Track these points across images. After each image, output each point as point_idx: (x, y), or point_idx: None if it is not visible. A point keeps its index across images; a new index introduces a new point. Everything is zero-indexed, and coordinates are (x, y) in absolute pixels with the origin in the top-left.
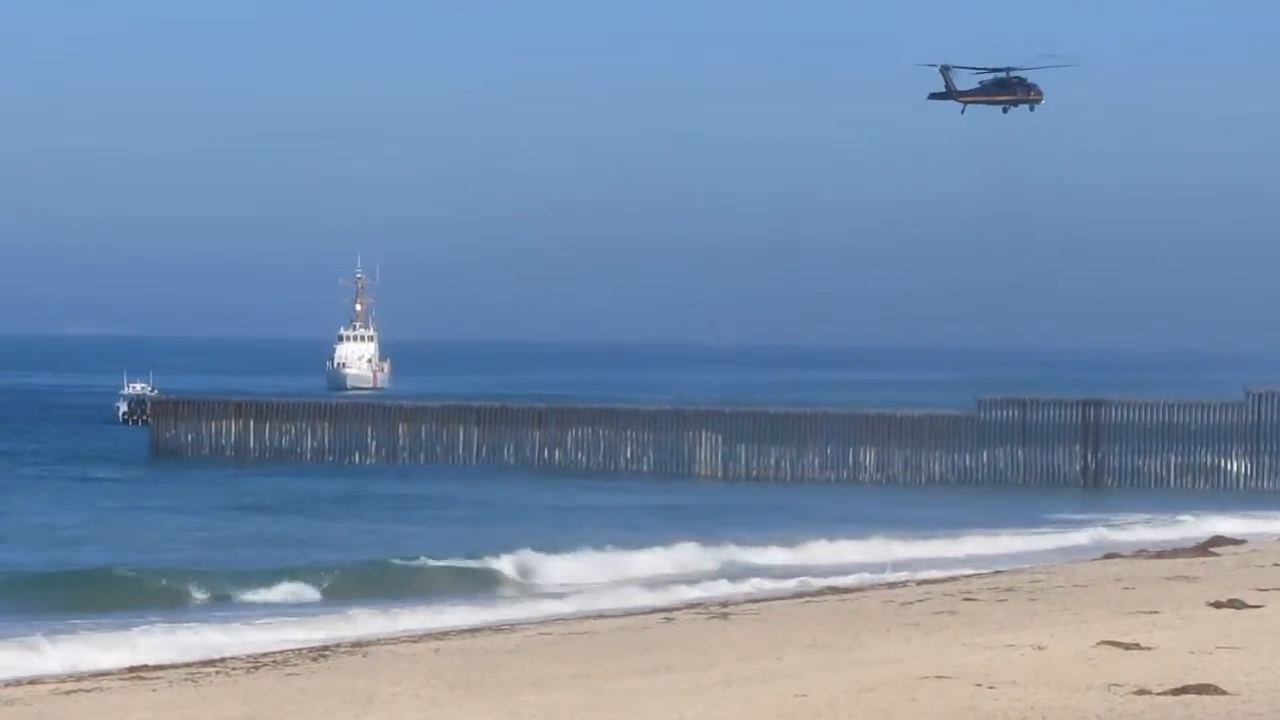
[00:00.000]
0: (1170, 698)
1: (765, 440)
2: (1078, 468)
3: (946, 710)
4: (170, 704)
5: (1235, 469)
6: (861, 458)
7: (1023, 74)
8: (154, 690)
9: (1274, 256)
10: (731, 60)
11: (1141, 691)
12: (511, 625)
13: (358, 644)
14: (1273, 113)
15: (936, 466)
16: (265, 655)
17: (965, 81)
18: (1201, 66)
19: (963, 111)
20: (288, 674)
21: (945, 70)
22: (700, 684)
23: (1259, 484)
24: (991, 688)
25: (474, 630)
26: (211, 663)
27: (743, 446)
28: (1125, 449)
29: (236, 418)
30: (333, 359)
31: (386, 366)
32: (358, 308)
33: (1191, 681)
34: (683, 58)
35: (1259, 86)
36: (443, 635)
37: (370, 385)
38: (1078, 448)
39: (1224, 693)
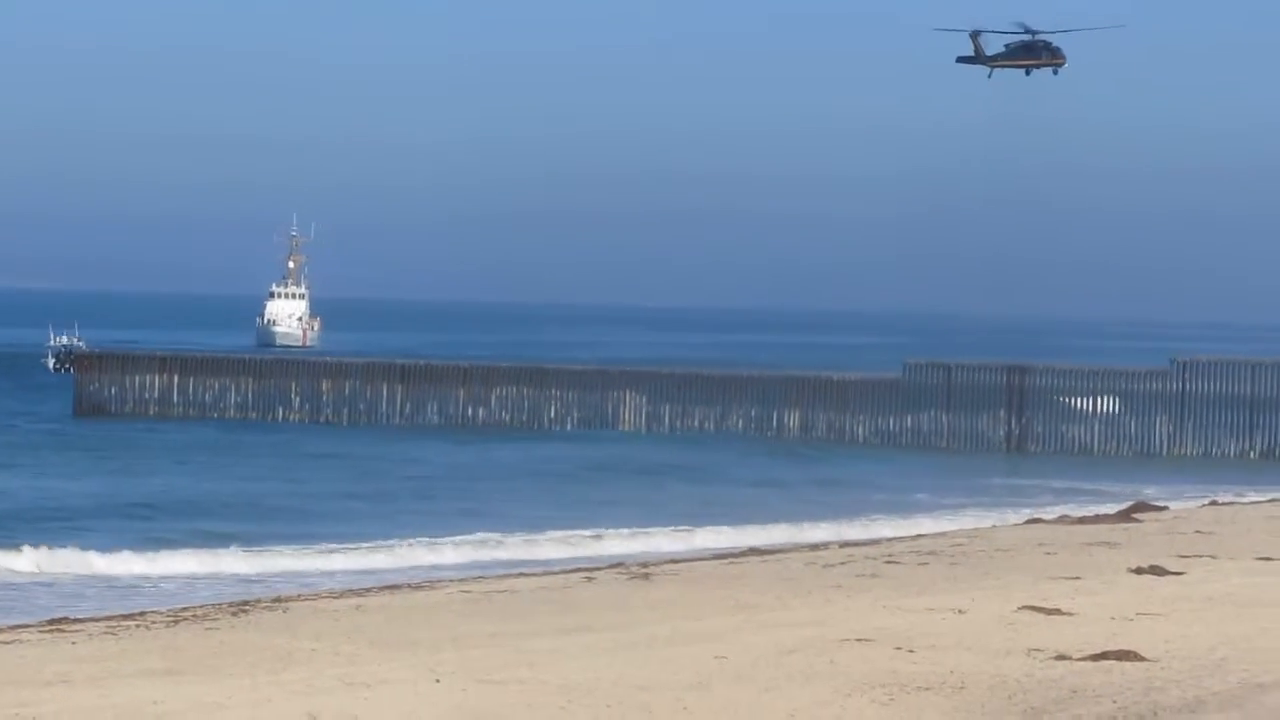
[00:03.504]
0: (1090, 663)
1: (690, 401)
2: (1002, 433)
3: (867, 673)
4: (90, 657)
5: (1159, 436)
6: (786, 420)
7: (1048, 38)
8: (73, 643)
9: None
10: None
11: (1061, 657)
12: (433, 583)
13: (278, 600)
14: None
15: (860, 429)
16: (185, 610)
17: (992, 46)
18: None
19: (990, 75)
20: (208, 628)
21: (975, 35)
22: (620, 644)
23: (1182, 451)
24: (912, 651)
25: (394, 587)
26: (131, 616)
27: (666, 407)
28: (1050, 414)
29: (161, 372)
30: (263, 315)
31: (317, 324)
32: (291, 265)
33: (1111, 648)
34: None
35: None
36: (363, 592)
37: (300, 343)
38: (1002, 413)
39: (1144, 659)
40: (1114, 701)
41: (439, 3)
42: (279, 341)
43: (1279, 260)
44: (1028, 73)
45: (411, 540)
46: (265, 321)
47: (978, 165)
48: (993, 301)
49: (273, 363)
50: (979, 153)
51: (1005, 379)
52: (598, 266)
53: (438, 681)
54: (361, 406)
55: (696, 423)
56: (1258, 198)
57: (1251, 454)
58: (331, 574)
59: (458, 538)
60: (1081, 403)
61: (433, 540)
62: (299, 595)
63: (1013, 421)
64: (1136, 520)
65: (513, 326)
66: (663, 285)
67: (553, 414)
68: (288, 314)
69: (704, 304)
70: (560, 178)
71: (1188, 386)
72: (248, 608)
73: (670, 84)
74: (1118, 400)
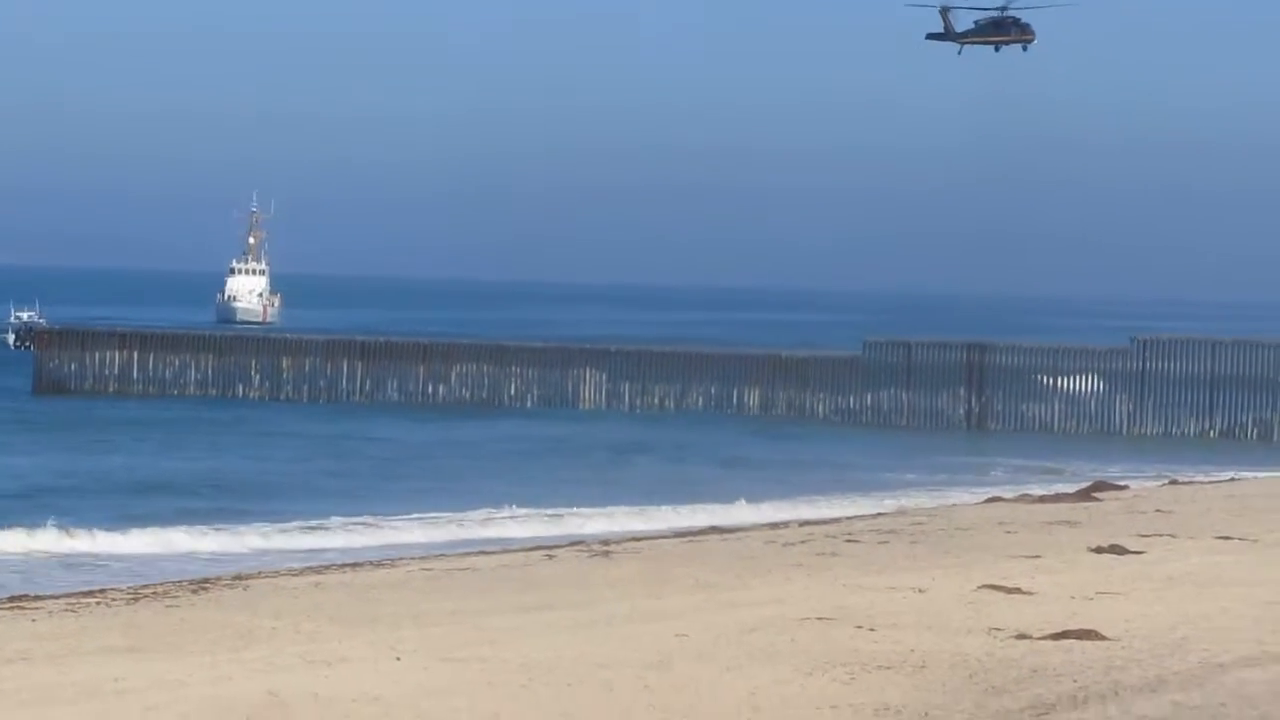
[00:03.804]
0: (1051, 642)
1: (650, 379)
2: (962, 411)
3: (827, 651)
4: (50, 635)
5: (1120, 415)
6: (745, 398)
7: (1017, 14)
8: (33, 621)
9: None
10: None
11: (1022, 636)
12: (393, 560)
13: (238, 577)
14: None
15: (820, 407)
16: (146, 587)
17: (962, 22)
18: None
19: (959, 52)
20: (168, 606)
21: (945, 11)
22: (581, 622)
23: (1142, 430)
24: (872, 630)
25: (355, 564)
26: (92, 593)
27: (626, 385)
28: (1010, 392)
29: (121, 348)
30: (223, 292)
31: (277, 301)
32: (251, 241)
33: (1072, 626)
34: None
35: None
36: (324, 569)
37: (260, 319)
38: (962, 391)
39: (1104, 638)
40: (1074, 680)
41: None
42: (239, 318)
43: (1258, 236)
44: (997, 49)
45: (379, 518)
46: (225, 298)
47: (969, 142)
48: (984, 279)
49: (233, 339)
50: (970, 129)
51: (965, 357)
52: (597, 244)
53: (398, 659)
54: (322, 384)
55: (657, 400)
56: (1237, 174)
57: (1212, 433)
58: (296, 552)
59: (425, 515)
60: (1061, 382)
61: (398, 518)
62: (259, 573)
63: (973, 399)
64: (1097, 499)
65: (502, 304)
66: (662, 262)
67: (513, 391)
68: (248, 290)
69: (704, 281)
70: (560, 152)
71: (1148, 365)
72: (208, 585)
73: (669, 59)
74: (1098, 379)
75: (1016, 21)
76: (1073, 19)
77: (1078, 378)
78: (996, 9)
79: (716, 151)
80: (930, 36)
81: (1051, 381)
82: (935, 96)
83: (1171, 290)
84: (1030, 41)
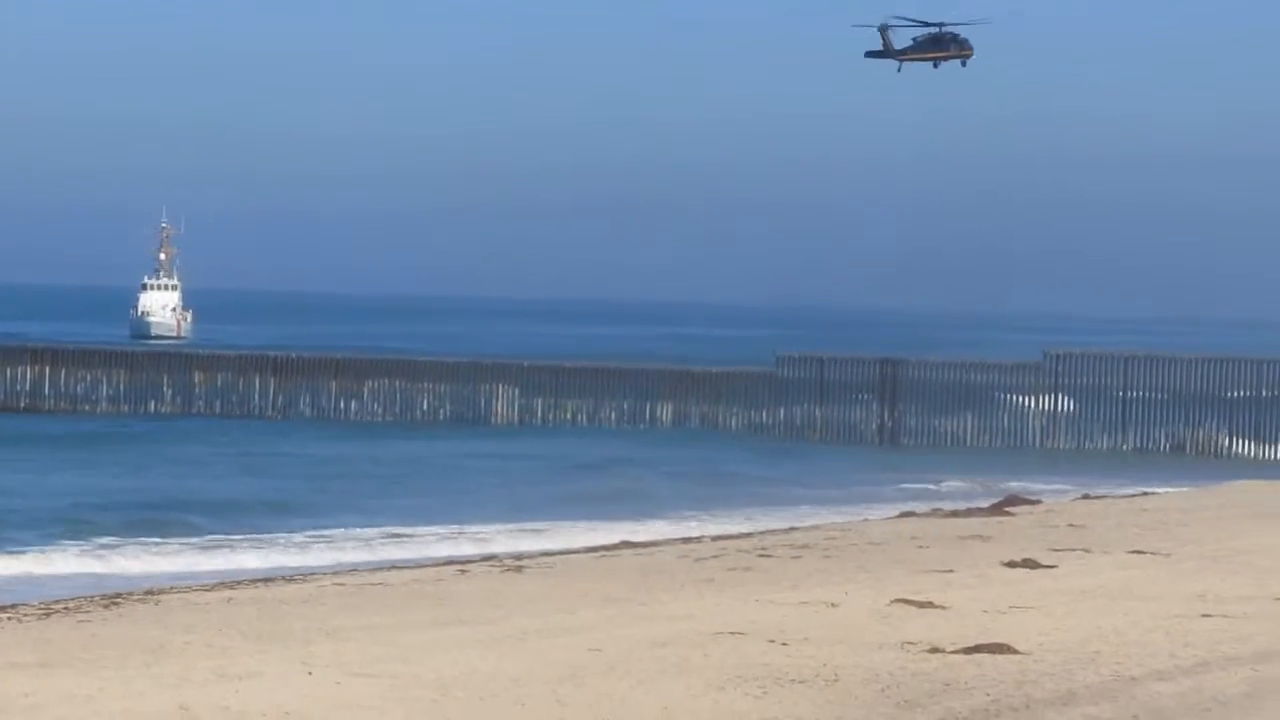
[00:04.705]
0: (963, 656)
1: (563, 394)
2: (874, 425)
3: (740, 665)
4: None
5: (1032, 429)
6: (658, 412)
7: (955, 29)
8: None
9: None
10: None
11: (935, 650)
12: (305, 575)
13: (150, 592)
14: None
15: (734, 422)
16: (58, 602)
17: (901, 39)
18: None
19: (899, 69)
20: (80, 621)
21: (884, 29)
22: (493, 636)
23: (1055, 444)
24: (785, 644)
25: (267, 579)
26: (3, 608)
27: (539, 400)
28: (922, 407)
29: (32, 364)
30: (136, 307)
31: (189, 316)
32: (162, 257)
33: (985, 641)
34: None
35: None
36: (236, 584)
37: (175, 334)
38: (875, 405)
39: (1016, 652)
40: (987, 694)
41: None
42: (154, 332)
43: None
44: (936, 65)
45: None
46: (139, 313)
47: (906, 158)
48: (915, 295)
49: (145, 355)
50: (907, 145)
51: (878, 372)
52: (527, 260)
53: (310, 674)
54: (234, 399)
55: (569, 415)
56: (1175, 187)
57: (1124, 447)
58: (216, 573)
59: (322, 532)
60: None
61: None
62: (171, 588)
63: (885, 414)
64: (1009, 513)
65: (430, 319)
66: (596, 277)
67: (425, 407)
68: (160, 305)
69: (636, 297)
70: (489, 169)
71: (1060, 380)
72: (119, 600)
73: (601, 74)
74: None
75: (955, 37)
76: (1012, 35)
77: (991, 392)
78: (935, 26)
79: (646, 167)
80: (869, 54)
81: (965, 396)
82: (875, 112)
83: (1113, 306)
84: (969, 57)
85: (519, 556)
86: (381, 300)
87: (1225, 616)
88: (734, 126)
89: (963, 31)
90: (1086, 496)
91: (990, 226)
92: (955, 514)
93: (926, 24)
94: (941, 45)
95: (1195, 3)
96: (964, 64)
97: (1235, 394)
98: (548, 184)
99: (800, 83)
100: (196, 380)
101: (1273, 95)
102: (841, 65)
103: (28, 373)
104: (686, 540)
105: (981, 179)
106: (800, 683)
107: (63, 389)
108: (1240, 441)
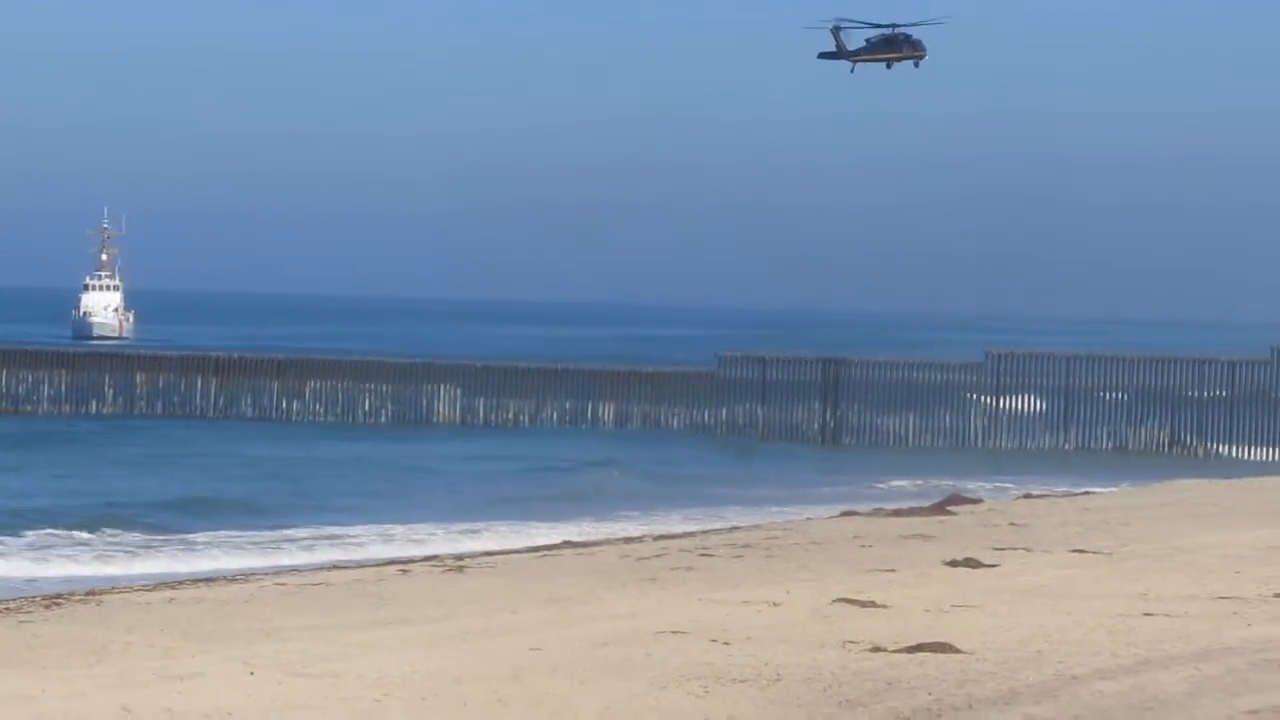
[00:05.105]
0: (905, 655)
1: (505, 394)
2: (816, 425)
3: (682, 664)
4: None
5: (974, 428)
6: (600, 412)
7: (908, 30)
8: None
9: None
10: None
11: (877, 649)
12: (246, 575)
13: (91, 593)
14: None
15: (676, 421)
16: None
17: (854, 41)
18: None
19: (852, 70)
20: (21, 621)
21: (836, 30)
22: (435, 636)
23: (997, 443)
24: (727, 644)
25: (209, 580)
26: None
27: (481, 400)
28: (864, 407)
29: None
30: (78, 308)
31: (131, 316)
32: (104, 257)
33: (927, 640)
34: None
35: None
36: (177, 585)
37: (117, 334)
38: (817, 405)
39: (958, 651)
40: (929, 693)
41: None
42: (96, 333)
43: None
44: (889, 66)
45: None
46: (80, 314)
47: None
48: (869, 298)
49: (87, 355)
50: (854, 146)
51: (820, 371)
52: (480, 262)
53: (252, 674)
54: (176, 399)
55: (511, 416)
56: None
57: (1066, 446)
58: (157, 574)
59: (240, 533)
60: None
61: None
62: (113, 588)
63: (827, 414)
64: (951, 513)
65: (327, 319)
66: (548, 280)
67: (367, 407)
68: (103, 306)
69: (582, 298)
70: (448, 170)
71: (1002, 379)
72: (61, 600)
73: (552, 79)
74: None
75: (908, 38)
76: (963, 36)
77: (933, 391)
78: (887, 26)
79: (607, 167)
80: (822, 56)
81: (907, 396)
82: (817, 113)
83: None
84: (922, 58)
85: (461, 556)
86: (341, 302)
87: (1167, 615)
88: (670, 126)
89: (915, 32)
90: (1028, 495)
91: (931, 230)
92: (897, 513)
93: (878, 25)
94: (894, 46)
95: (1158, 2)
96: (917, 65)
97: (1177, 393)
98: (499, 186)
99: (750, 85)
100: (138, 381)
101: (1239, 94)
102: (796, 67)
103: None
104: (629, 540)
105: (928, 180)
106: (742, 682)
107: (3, 390)
108: (1182, 441)
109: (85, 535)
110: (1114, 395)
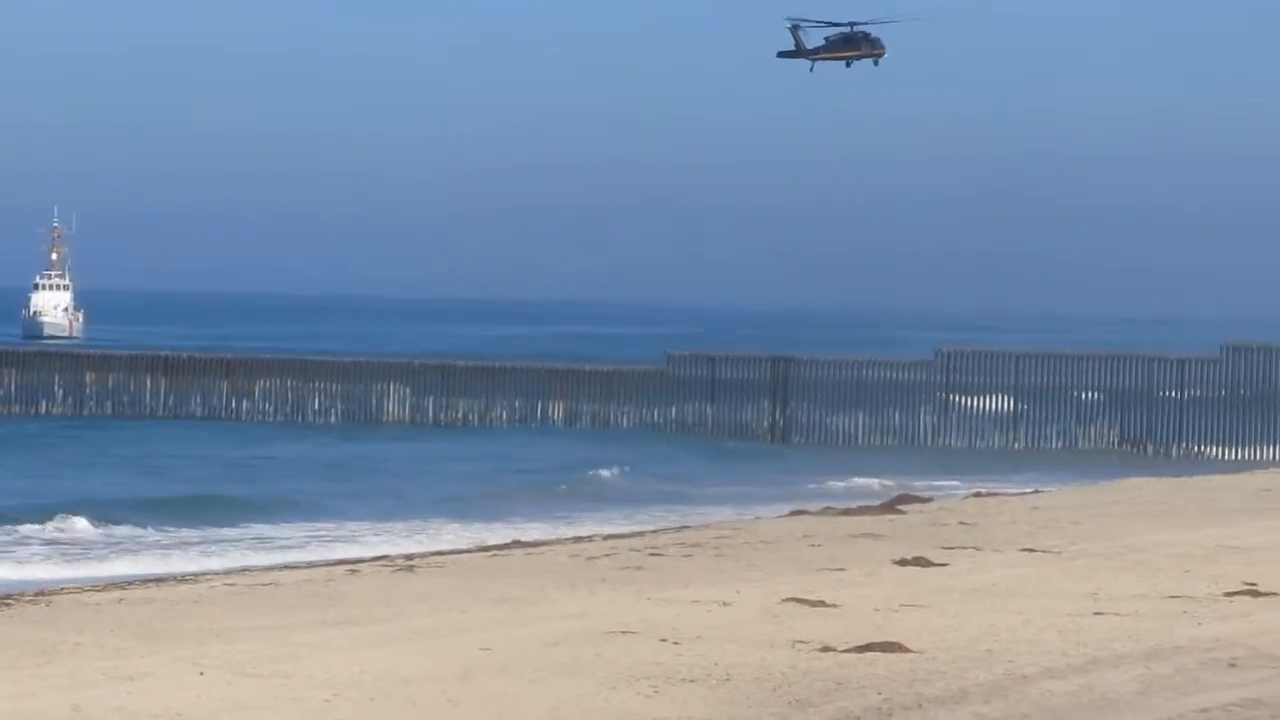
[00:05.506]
0: (855, 655)
1: (454, 393)
2: (766, 424)
3: (632, 664)
4: None
5: (924, 426)
6: (550, 411)
7: (867, 29)
8: None
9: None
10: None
11: (826, 649)
12: (196, 576)
13: (40, 593)
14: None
15: (625, 420)
16: None
17: (813, 39)
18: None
19: (811, 69)
20: None
21: (795, 28)
22: (385, 636)
23: (946, 442)
24: (677, 643)
25: (159, 580)
26: None
27: (430, 399)
28: (814, 405)
29: None
30: (28, 307)
31: (81, 316)
32: (54, 256)
33: (876, 639)
34: None
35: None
36: (127, 585)
37: (67, 334)
38: (766, 404)
39: (908, 650)
40: (879, 693)
41: None
42: (47, 332)
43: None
44: (848, 65)
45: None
46: (30, 313)
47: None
48: (832, 295)
49: (36, 355)
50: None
51: (769, 370)
52: (437, 259)
53: (202, 674)
54: (126, 399)
55: (460, 415)
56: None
57: (1016, 445)
58: (107, 575)
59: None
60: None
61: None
62: (62, 588)
63: (777, 412)
64: (900, 512)
65: (277, 318)
66: (509, 277)
67: (316, 406)
68: (53, 305)
69: (546, 295)
70: (409, 169)
71: (952, 377)
72: (10, 600)
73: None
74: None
75: (867, 36)
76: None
77: (882, 390)
78: (846, 25)
79: (559, 168)
80: (781, 54)
81: (856, 394)
82: (788, 111)
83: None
84: (881, 56)
85: (410, 556)
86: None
87: (1117, 614)
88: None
89: (874, 30)
90: (978, 494)
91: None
92: (846, 512)
93: (837, 24)
94: (853, 44)
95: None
96: (876, 63)
97: (1128, 392)
98: (462, 186)
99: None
100: (88, 380)
101: (1239, 94)
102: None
103: None
104: (578, 539)
105: (895, 179)
106: (692, 682)
107: None
108: (1132, 439)
109: (35, 535)
110: (1066, 394)
